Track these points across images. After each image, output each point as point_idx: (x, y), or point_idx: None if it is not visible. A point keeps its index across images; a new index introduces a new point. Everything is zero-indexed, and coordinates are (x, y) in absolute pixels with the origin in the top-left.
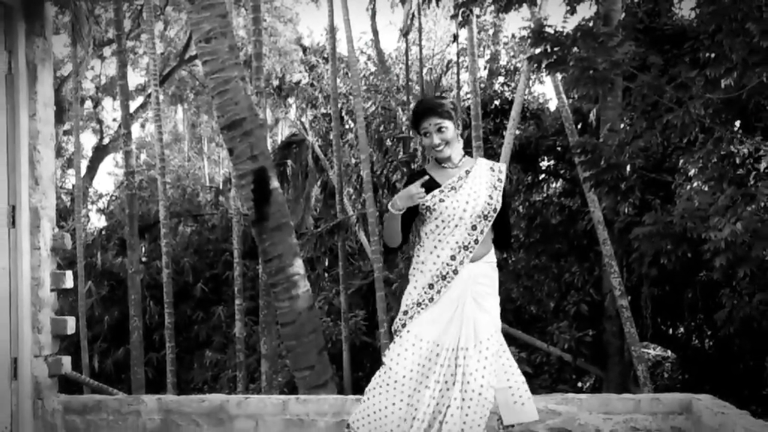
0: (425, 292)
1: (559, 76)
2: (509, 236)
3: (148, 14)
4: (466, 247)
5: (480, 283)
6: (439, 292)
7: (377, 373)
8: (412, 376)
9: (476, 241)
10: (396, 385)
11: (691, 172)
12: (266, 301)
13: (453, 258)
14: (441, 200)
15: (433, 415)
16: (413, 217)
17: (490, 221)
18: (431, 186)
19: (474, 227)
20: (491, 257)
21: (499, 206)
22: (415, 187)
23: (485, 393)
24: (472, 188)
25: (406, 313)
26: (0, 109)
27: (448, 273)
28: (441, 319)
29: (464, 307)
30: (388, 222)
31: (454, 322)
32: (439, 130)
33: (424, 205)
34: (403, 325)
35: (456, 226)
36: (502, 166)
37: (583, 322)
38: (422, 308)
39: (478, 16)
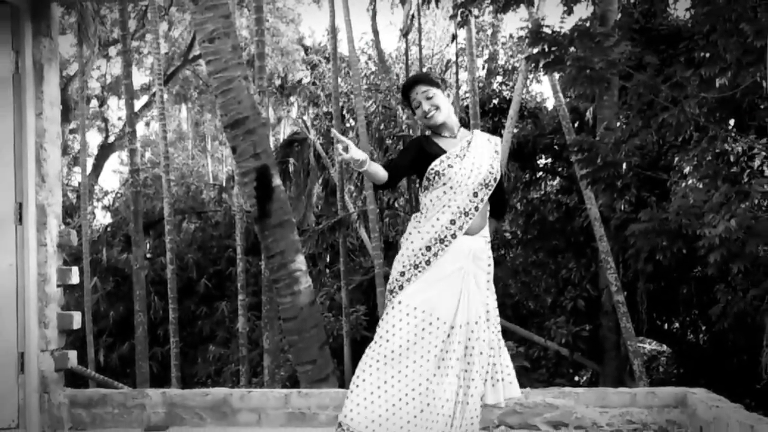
0: (422, 254)
1: (556, 75)
2: (505, 204)
3: (153, 15)
4: (466, 213)
5: (480, 258)
6: (435, 254)
7: (367, 352)
8: (408, 346)
9: (476, 209)
10: (388, 360)
11: (686, 170)
12: (269, 296)
13: (453, 222)
14: (450, 166)
15: (457, 398)
16: (409, 168)
17: (490, 190)
18: (436, 152)
19: (476, 194)
20: (486, 232)
21: (498, 175)
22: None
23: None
24: (475, 157)
25: (403, 274)
26: (7, 108)
27: (446, 237)
28: (437, 287)
29: (465, 283)
30: (368, 175)
31: (454, 296)
32: (428, 98)
33: (432, 170)
34: (400, 287)
35: (460, 192)
36: (497, 139)
37: (579, 318)
38: (420, 271)
39: (476, 17)
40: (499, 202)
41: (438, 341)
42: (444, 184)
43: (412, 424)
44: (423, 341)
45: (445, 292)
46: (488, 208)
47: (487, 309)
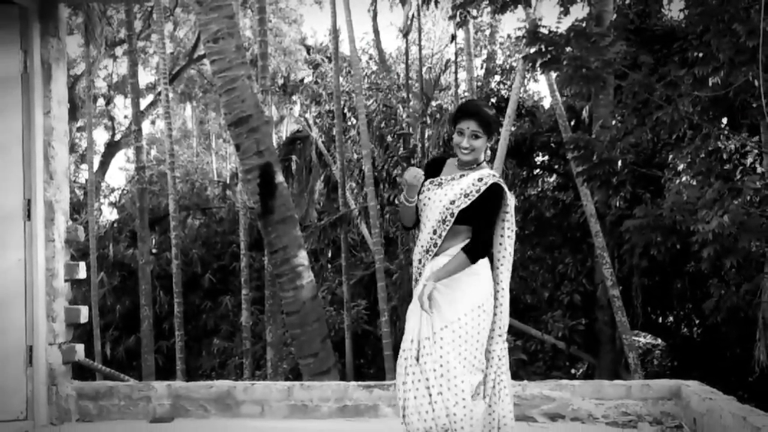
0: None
1: (553, 74)
2: (475, 246)
3: (158, 15)
4: (427, 251)
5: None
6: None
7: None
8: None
9: (435, 245)
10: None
11: (680, 167)
12: (272, 291)
13: (420, 261)
14: (421, 191)
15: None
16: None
17: (447, 225)
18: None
19: (434, 231)
20: (453, 251)
21: (457, 211)
22: (414, 171)
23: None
24: (450, 189)
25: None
26: (16, 107)
27: (416, 277)
28: (413, 316)
29: (422, 300)
30: (402, 211)
31: (421, 317)
32: (474, 136)
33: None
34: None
35: (424, 224)
36: (490, 179)
37: (576, 312)
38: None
39: (475, 17)
40: (472, 239)
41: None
42: (421, 210)
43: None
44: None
45: (411, 319)
46: (460, 234)
47: (441, 326)
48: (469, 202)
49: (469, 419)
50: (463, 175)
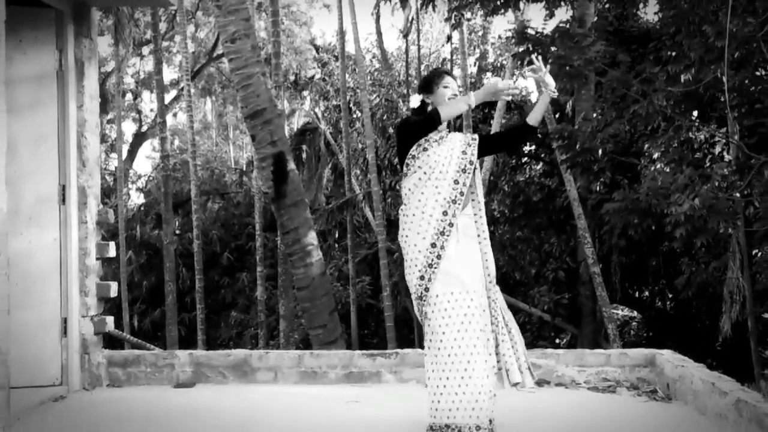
0: (431, 253)
1: None
2: (510, 135)
3: (181, 18)
4: (454, 201)
5: (467, 234)
6: (443, 247)
7: (427, 353)
8: (460, 328)
9: (461, 194)
10: (448, 354)
11: (655, 156)
12: (284, 268)
13: (445, 213)
14: (425, 149)
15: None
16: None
17: (469, 174)
18: (417, 137)
19: (456, 181)
20: (470, 210)
21: (474, 158)
22: (505, 83)
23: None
24: (450, 145)
25: (422, 278)
26: (52, 101)
27: (444, 228)
28: (456, 268)
29: (467, 253)
30: (460, 105)
31: (466, 268)
32: (456, 94)
33: (410, 154)
34: (426, 290)
35: (437, 179)
36: (475, 135)
37: (560, 287)
38: (435, 267)
39: (468, 20)
40: (505, 143)
41: (479, 310)
42: (419, 168)
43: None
44: (472, 317)
45: (465, 268)
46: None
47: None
48: (476, 149)
49: None
50: (442, 137)
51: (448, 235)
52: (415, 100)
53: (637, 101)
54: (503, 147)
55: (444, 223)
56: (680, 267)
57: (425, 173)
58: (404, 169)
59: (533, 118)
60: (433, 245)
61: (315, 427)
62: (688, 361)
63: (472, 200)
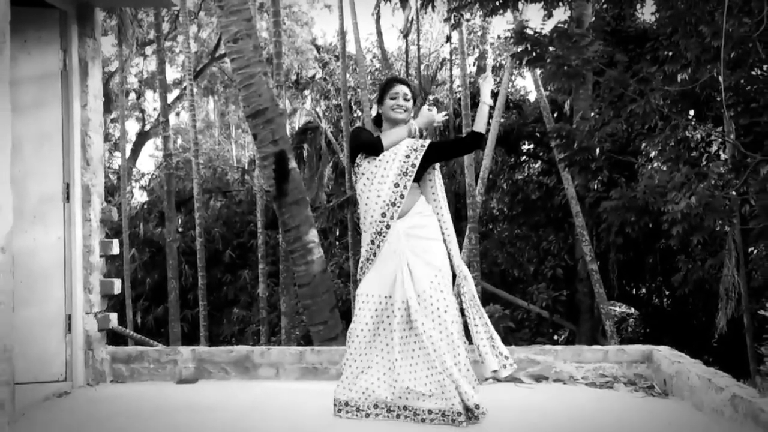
0: (369, 248)
1: (538, 71)
2: (459, 142)
3: (184, 18)
4: (393, 203)
5: (414, 235)
6: (378, 246)
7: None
8: (369, 328)
9: (402, 196)
10: (356, 339)
11: (652, 154)
12: (285, 265)
13: (383, 215)
14: (365, 157)
15: (389, 364)
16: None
17: (410, 177)
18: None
19: (396, 184)
20: (420, 207)
21: (417, 162)
22: (439, 115)
23: (435, 345)
24: (394, 150)
25: (362, 269)
26: (56, 100)
27: (381, 229)
28: (385, 272)
29: (402, 261)
30: (401, 134)
31: (397, 275)
32: (405, 98)
33: (356, 163)
34: (361, 279)
35: (380, 182)
36: (425, 141)
37: (558, 284)
38: (370, 263)
39: (468, 20)
40: (451, 149)
41: (387, 315)
42: (363, 173)
43: (381, 381)
44: (383, 318)
45: (386, 276)
46: (418, 190)
47: (430, 281)
48: (421, 154)
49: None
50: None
51: (384, 236)
52: (375, 110)
53: (634, 100)
54: (455, 153)
55: (381, 224)
56: (677, 264)
57: (368, 179)
58: (353, 177)
59: (477, 126)
60: (372, 242)
61: (316, 422)
62: (684, 357)
63: (434, 200)
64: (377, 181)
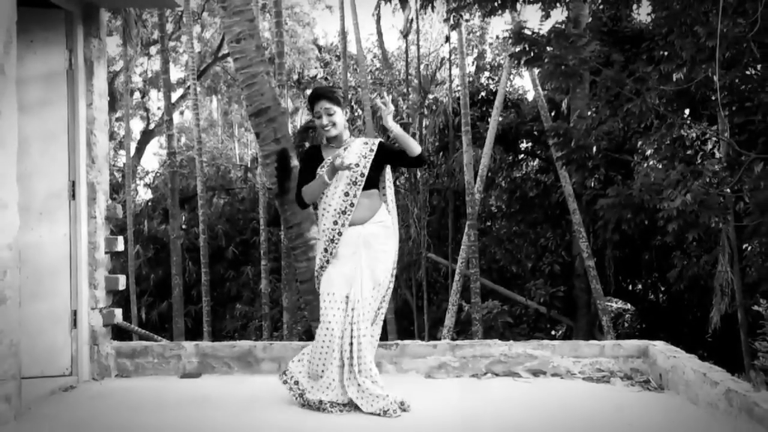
0: (323, 256)
1: (535, 70)
2: (405, 156)
3: (188, 19)
4: (344, 212)
5: (371, 244)
6: (331, 253)
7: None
8: (334, 326)
9: (351, 205)
10: (323, 334)
11: (648, 152)
12: (287, 262)
13: (335, 223)
14: (319, 173)
15: (341, 355)
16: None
17: (359, 186)
18: (320, 162)
19: (347, 194)
20: (381, 217)
21: (366, 170)
22: (339, 159)
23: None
24: (346, 159)
25: (317, 278)
26: (62, 100)
27: (334, 237)
28: (342, 273)
29: (360, 264)
30: (317, 187)
31: (355, 277)
32: (328, 114)
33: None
34: (319, 280)
35: (332, 193)
36: (376, 140)
37: (556, 280)
38: (323, 269)
39: (467, 20)
40: (400, 159)
41: (342, 312)
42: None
43: (326, 364)
44: (338, 315)
45: (344, 276)
46: (379, 200)
47: (373, 286)
48: (370, 161)
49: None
50: (346, 148)
51: (336, 243)
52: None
53: (630, 99)
54: (401, 164)
55: (333, 232)
56: (672, 261)
57: (323, 192)
58: None
59: (412, 152)
60: (326, 250)
61: (317, 415)
62: (680, 351)
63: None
64: (329, 193)
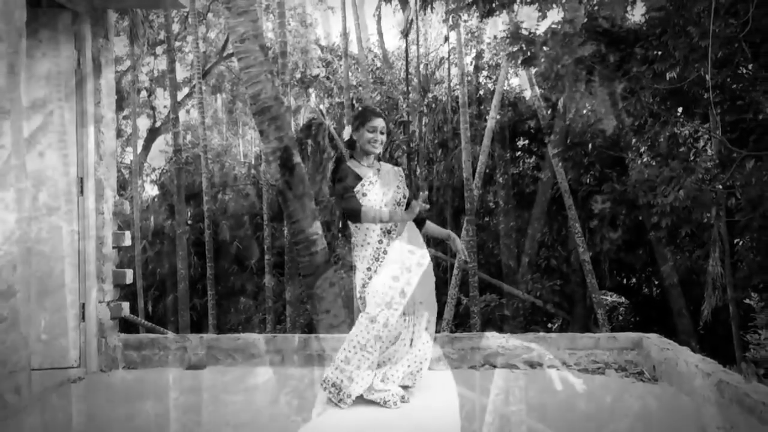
0: (367, 276)
1: (532, 70)
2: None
3: (193, 19)
4: (389, 231)
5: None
6: (375, 271)
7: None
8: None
9: (396, 225)
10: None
11: (642, 150)
12: (290, 256)
13: (380, 242)
14: (363, 194)
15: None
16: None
17: (402, 206)
18: (357, 179)
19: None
20: (411, 231)
21: (407, 193)
22: (419, 205)
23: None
24: (384, 182)
25: (361, 298)
26: (71, 98)
27: (379, 255)
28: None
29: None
30: (387, 217)
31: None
32: (382, 132)
33: (355, 190)
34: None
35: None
36: (399, 168)
37: (552, 274)
38: (365, 287)
39: (465, 21)
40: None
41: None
42: (364, 195)
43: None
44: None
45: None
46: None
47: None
48: (405, 185)
49: None
50: (379, 169)
51: (381, 261)
52: (347, 133)
53: (625, 98)
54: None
55: (379, 251)
56: (665, 255)
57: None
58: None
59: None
60: (369, 269)
61: (320, 407)
62: (673, 344)
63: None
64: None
